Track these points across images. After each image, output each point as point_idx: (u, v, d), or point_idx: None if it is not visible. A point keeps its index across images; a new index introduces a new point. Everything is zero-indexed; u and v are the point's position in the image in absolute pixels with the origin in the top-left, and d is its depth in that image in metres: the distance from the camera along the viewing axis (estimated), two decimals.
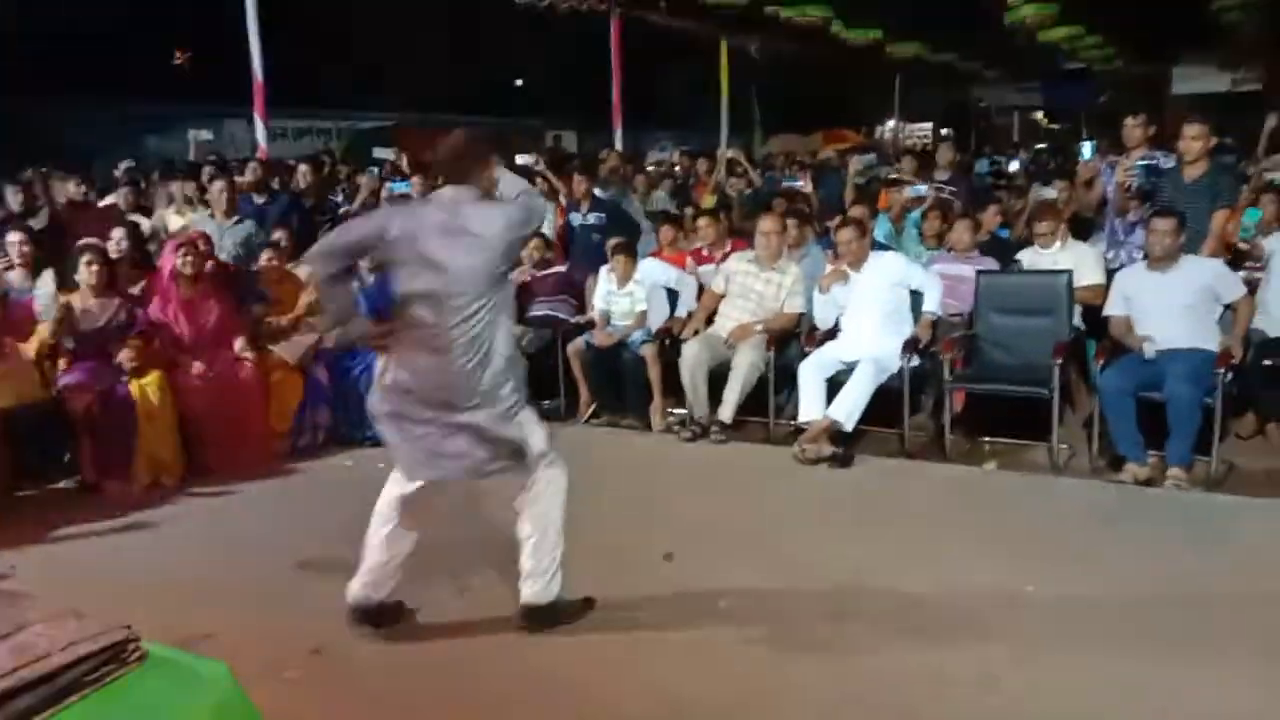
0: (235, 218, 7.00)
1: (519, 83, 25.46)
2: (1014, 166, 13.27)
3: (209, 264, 6.03)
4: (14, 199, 6.90)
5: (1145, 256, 5.48)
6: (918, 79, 21.74)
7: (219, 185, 7.14)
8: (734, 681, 3.23)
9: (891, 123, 22.13)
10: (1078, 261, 5.93)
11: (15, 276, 5.76)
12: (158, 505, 5.14)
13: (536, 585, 3.51)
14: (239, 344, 5.74)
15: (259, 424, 5.69)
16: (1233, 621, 3.52)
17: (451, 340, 3.25)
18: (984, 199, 7.76)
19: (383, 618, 3.53)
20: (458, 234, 3.25)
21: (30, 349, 5.39)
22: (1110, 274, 5.83)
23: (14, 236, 5.90)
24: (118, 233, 6.40)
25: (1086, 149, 8.78)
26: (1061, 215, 6.40)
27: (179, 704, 1.73)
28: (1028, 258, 6.19)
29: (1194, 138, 5.71)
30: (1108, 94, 24.29)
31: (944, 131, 14.64)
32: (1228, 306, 5.25)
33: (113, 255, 5.93)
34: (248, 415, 5.64)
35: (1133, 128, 6.18)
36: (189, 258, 5.81)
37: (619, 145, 11.39)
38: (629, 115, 12.60)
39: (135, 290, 6.02)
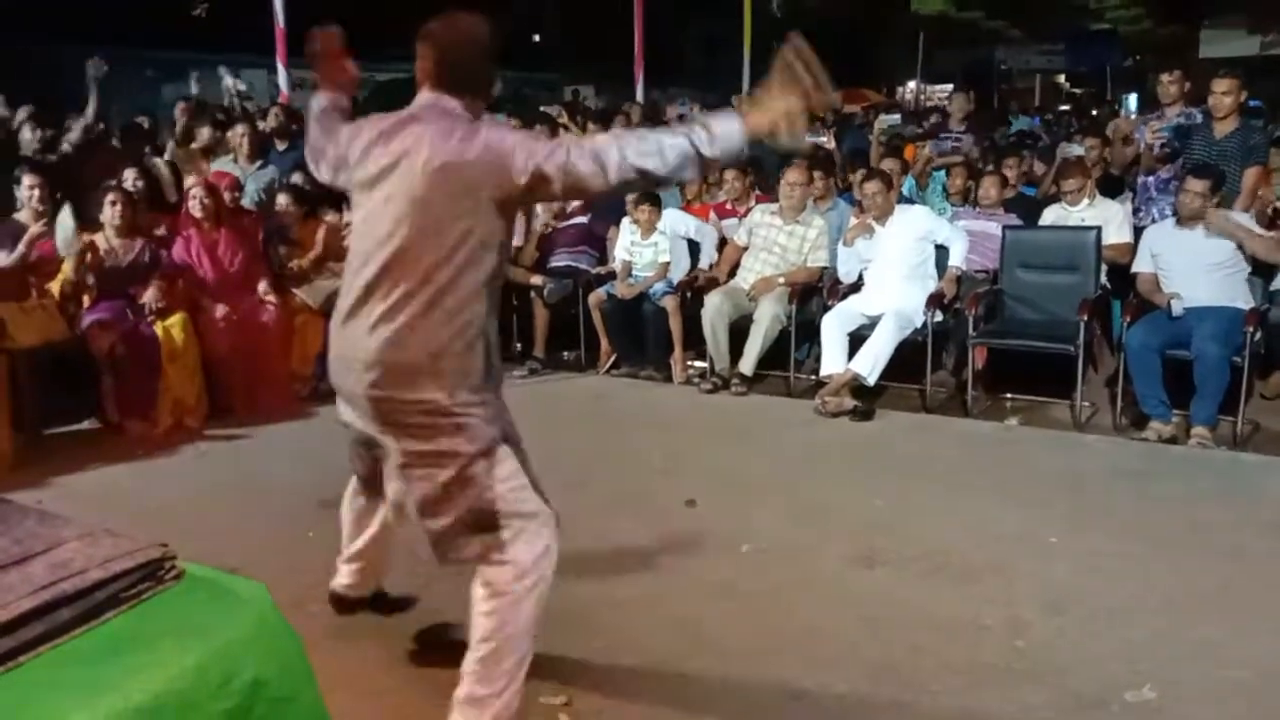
0: (259, 162, 6.98)
1: (536, 38, 25.23)
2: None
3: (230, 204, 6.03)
4: (31, 135, 6.81)
5: (1175, 214, 5.42)
6: (940, 39, 21.43)
7: (241, 129, 7.09)
8: (758, 622, 3.23)
9: (913, 83, 21.82)
10: (1105, 219, 5.87)
11: (25, 217, 5.70)
12: (181, 445, 5.17)
13: None
14: (262, 287, 5.74)
15: (282, 367, 5.71)
16: (1263, 574, 3.50)
17: None
18: (1005, 152, 7.64)
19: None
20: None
21: (54, 288, 5.41)
22: (1138, 232, 5.77)
23: (29, 179, 5.83)
24: (130, 172, 6.35)
25: (1132, 101, 8.63)
26: (1089, 172, 6.32)
27: (218, 621, 1.73)
28: (1054, 215, 6.12)
29: (1224, 93, 5.62)
30: (1134, 57, 23.90)
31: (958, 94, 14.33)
32: None
33: None
34: (270, 358, 5.66)
35: (1168, 84, 6.08)
36: (200, 200, 5.80)
37: (640, 99, 11.25)
38: (648, 71, 12.45)
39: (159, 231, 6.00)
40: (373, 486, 2.81)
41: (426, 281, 2.31)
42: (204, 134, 7.52)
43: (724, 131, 2.20)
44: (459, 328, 2.34)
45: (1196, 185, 5.15)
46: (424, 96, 2.43)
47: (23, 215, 5.70)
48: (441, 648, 2.97)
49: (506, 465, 2.45)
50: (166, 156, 7.56)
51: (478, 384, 2.40)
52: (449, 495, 2.39)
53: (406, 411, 2.36)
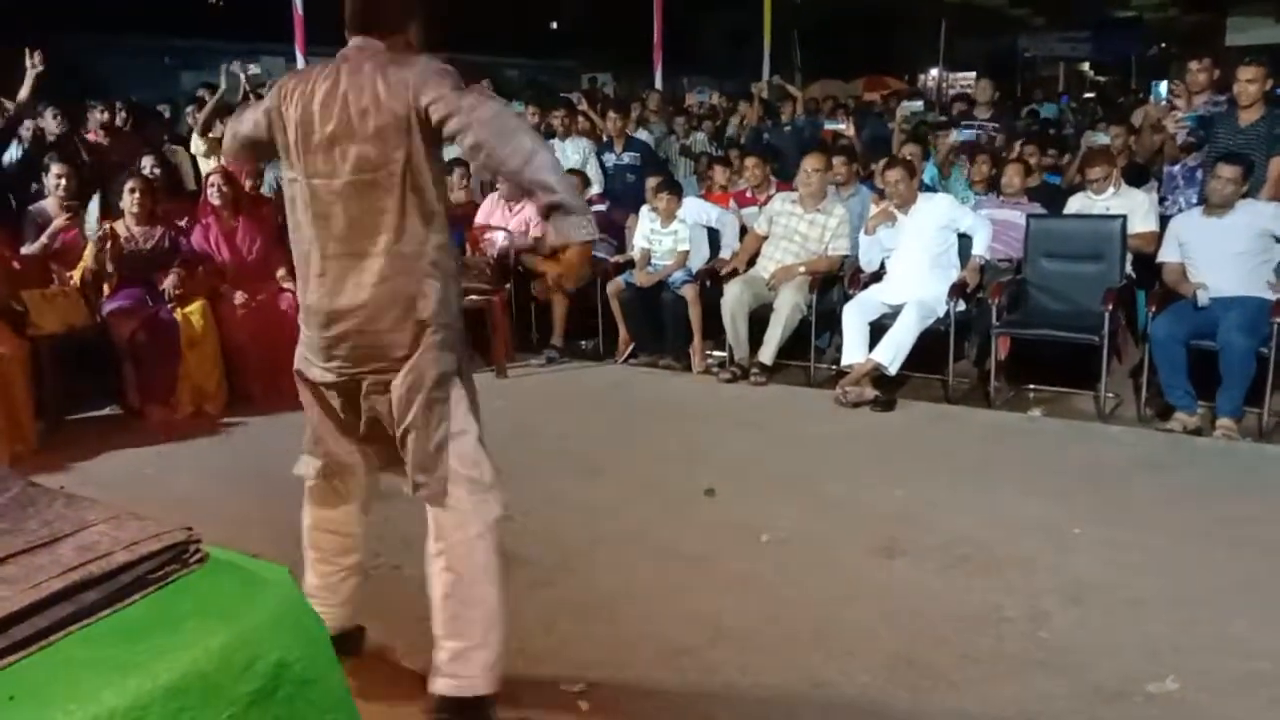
0: None
1: (554, 25, 25.20)
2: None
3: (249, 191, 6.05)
4: (54, 124, 6.85)
5: (1200, 202, 5.36)
6: (962, 26, 21.23)
7: None
8: (776, 612, 3.22)
9: (935, 71, 21.63)
10: (1130, 208, 5.81)
11: (50, 205, 5.73)
12: (201, 432, 5.20)
13: None
14: (281, 274, 5.76)
15: None
16: None
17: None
18: (1028, 139, 7.56)
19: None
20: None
21: (75, 275, 5.45)
22: (1164, 220, 5.72)
23: (56, 169, 5.86)
24: (148, 160, 6.38)
25: (1163, 88, 8.54)
26: (1114, 161, 6.25)
27: (242, 604, 1.73)
28: (1079, 203, 6.06)
29: (1249, 80, 5.54)
30: (1159, 45, 23.64)
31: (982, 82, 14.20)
32: None
33: None
34: (289, 345, 5.62)
35: (1197, 72, 6.00)
36: (218, 187, 5.82)
37: (659, 86, 11.22)
38: (667, 59, 12.41)
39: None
40: (341, 481, 2.81)
41: (385, 218, 2.40)
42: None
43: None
44: (427, 257, 2.44)
45: (1228, 172, 5.09)
46: (351, 42, 2.50)
47: (48, 203, 5.75)
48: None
49: (462, 407, 2.52)
50: (193, 149, 7.59)
51: (452, 310, 2.52)
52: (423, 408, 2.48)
53: (387, 344, 2.47)
